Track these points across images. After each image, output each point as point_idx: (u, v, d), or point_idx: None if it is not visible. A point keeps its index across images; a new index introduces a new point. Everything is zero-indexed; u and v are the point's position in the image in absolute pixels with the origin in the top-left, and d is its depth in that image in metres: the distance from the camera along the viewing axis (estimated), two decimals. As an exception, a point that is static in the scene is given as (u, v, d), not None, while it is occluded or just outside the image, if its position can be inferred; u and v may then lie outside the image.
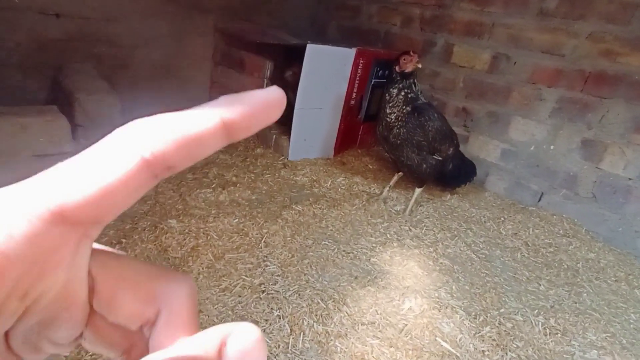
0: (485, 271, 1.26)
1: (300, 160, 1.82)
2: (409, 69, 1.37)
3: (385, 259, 1.24)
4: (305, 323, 0.93)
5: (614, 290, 1.28)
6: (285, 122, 1.75)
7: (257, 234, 1.24)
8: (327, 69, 1.74)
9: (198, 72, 2.15)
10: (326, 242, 1.26)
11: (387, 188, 1.63)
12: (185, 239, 1.16)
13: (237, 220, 1.29)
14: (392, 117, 1.43)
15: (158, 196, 1.36)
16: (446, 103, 2.04)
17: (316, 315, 0.96)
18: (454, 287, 1.15)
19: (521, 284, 1.23)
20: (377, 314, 1.00)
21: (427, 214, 1.56)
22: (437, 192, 1.77)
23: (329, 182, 1.67)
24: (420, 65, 1.38)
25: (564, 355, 0.97)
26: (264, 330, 0.89)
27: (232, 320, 0.91)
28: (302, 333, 0.91)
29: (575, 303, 1.18)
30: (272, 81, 1.92)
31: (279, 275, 1.08)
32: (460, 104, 2.00)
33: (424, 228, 1.45)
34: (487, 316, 1.05)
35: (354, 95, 1.91)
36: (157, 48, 1.97)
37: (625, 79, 1.50)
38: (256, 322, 0.90)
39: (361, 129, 2.11)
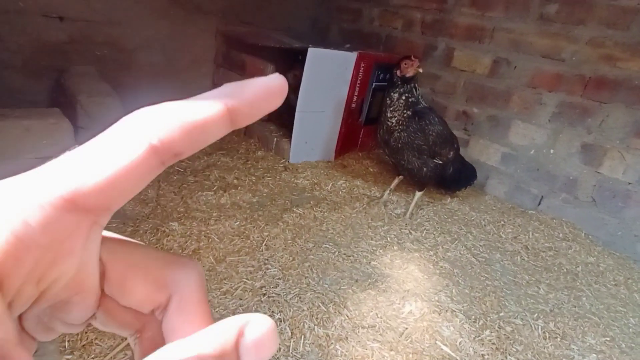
0: (485, 275, 1.27)
1: (301, 163, 1.83)
2: (410, 73, 1.38)
3: (385, 262, 1.24)
4: (306, 326, 0.94)
5: (613, 294, 1.28)
6: (286, 125, 1.76)
7: (258, 236, 1.25)
8: (329, 72, 1.75)
9: (199, 75, 2.16)
10: (327, 245, 1.27)
11: (388, 191, 1.64)
12: (186, 242, 1.16)
13: (238, 223, 1.29)
14: (393, 121, 1.44)
15: (160, 198, 1.36)
16: (447, 107, 2.05)
17: (317, 318, 0.97)
18: (454, 291, 1.16)
19: (521, 288, 1.24)
20: (378, 317, 1.00)
21: (427, 218, 1.57)
22: (438, 195, 1.78)
23: (330, 185, 1.68)
24: (421, 70, 1.39)
25: (563, 359, 0.98)
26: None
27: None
28: (302, 336, 0.91)
29: (575, 307, 1.18)
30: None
31: (280, 279, 1.09)
32: (460, 108, 2.01)
33: (425, 231, 1.46)
34: (486, 320, 1.06)
35: (355, 98, 1.92)
36: (159, 50, 1.98)
37: (625, 83, 1.51)
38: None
39: (362, 132, 2.12)
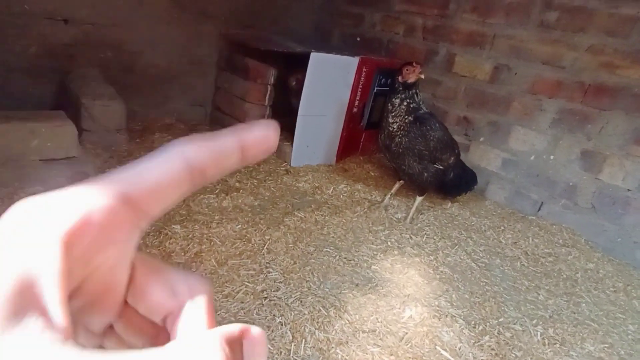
0: (485, 280, 1.28)
1: (302, 167, 1.84)
2: (411, 79, 1.40)
3: (386, 267, 1.25)
4: (307, 330, 0.94)
5: (613, 301, 1.29)
6: (288, 129, 1.77)
7: (259, 240, 1.26)
8: (331, 76, 1.76)
9: (202, 78, 2.17)
10: (328, 249, 1.27)
11: (389, 196, 1.65)
12: (189, 245, 1.17)
13: (240, 226, 1.30)
14: (395, 127, 1.45)
15: (162, 201, 1.37)
16: (448, 112, 2.06)
17: (318, 322, 0.97)
18: (454, 296, 1.16)
19: (520, 294, 1.25)
20: (378, 321, 1.01)
21: (427, 222, 1.58)
22: (438, 200, 1.79)
23: (331, 189, 1.69)
24: (423, 76, 1.40)
25: (562, 366, 0.99)
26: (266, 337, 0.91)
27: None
28: (303, 340, 0.92)
29: (574, 313, 1.19)
30: (276, 88, 1.95)
31: (281, 282, 1.09)
32: (461, 113, 2.02)
33: (425, 236, 1.47)
34: (486, 325, 1.06)
35: (356, 103, 1.93)
36: (162, 53, 1.99)
37: (625, 91, 1.53)
38: (259, 329, 0.91)
39: (363, 137, 2.13)
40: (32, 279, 0.12)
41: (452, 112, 2.05)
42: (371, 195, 1.71)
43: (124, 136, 1.65)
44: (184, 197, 0.16)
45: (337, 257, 1.25)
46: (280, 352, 0.88)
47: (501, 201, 1.89)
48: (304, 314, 0.99)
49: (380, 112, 1.83)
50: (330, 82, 1.77)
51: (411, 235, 1.46)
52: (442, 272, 1.27)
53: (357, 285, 1.13)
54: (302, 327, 0.95)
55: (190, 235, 1.21)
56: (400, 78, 1.42)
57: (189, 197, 1.41)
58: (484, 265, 1.36)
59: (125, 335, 0.17)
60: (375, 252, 1.31)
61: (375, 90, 1.99)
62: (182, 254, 1.14)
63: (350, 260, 1.24)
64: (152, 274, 0.17)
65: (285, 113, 1.99)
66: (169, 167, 0.15)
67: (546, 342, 1.04)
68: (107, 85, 1.68)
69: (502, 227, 1.63)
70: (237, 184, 1.57)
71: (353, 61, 1.81)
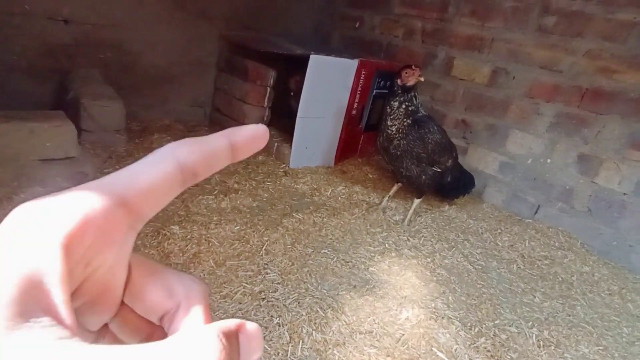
0: (482, 282, 1.29)
1: (301, 169, 1.85)
2: (410, 82, 1.41)
3: (383, 269, 1.26)
4: (305, 331, 0.95)
5: (608, 304, 1.30)
6: (287, 130, 1.78)
7: (257, 241, 1.26)
8: (330, 79, 1.77)
9: (202, 79, 2.18)
10: (326, 251, 1.28)
11: (387, 198, 1.66)
12: (187, 245, 1.18)
13: (238, 227, 1.31)
14: (393, 129, 1.46)
15: (161, 202, 1.38)
16: (446, 115, 2.07)
17: (315, 323, 0.98)
18: (450, 298, 1.17)
19: (516, 296, 1.26)
20: (375, 323, 1.02)
21: (425, 225, 1.59)
22: (436, 202, 1.80)
23: (330, 191, 1.69)
24: (422, 79, 1.41)
25: (557, 368, 1.00)
26: (263, 338, 0.91)
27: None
28: (301, 341, 0.92)
29: (569, 316, 1.20)
30: (275, 89, 1.95)
31: (279, 283, 1.10)
32: (459, 116, 2.03)
33: (422, 238, 1.48)
34: (482, 327, 1.07)
35: (355, 105, 1.94)
36: (162, 54, 2.00)
37: (621, 95, 1.54)
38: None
39: (362, 139, 2.14)
40: (37, 278, 0.12)
41: (451, 115, 2.06)
42: (369, 198, 1.72)
43: (123, 136, 1.65)
44: (174, 197, 0.17)
45: (335, 258, 1.25)
46: (278, 353, 0.89)
47: (498, 204, 1.90)
48: (302, 315, 1.00)
49: (379, 115, 1.84)
50: (329, 84, 1.78)
51: (409, 238, 1.46)
52: (439, 274, 1.28)
53: (354, 286, 1.14)
54: (300, 328, 0.96)
55: (188, 236, 1.21)
56: (399, 81, 1.43)
57: (187, 198, 1.42)
58: (480, 267, 1.37)
59: (120, 334, 0.18)
60: (372, 254, 1.32)
61: (374, 93, 2.00)
62: (181, 254, 1.14)
63: (347, 262, 1.25)
64: (148, 275, 0.17)
65: (284, 115, 2.00)
66: (162, 170, 0.16)
67: (541, 344, 1.05)
68: (106, 85, 1.68)
69: (499, 230, 1.64)
70: (235, 185, 1.58)
71: (352, 64, 1.82)
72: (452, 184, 1.68)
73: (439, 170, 1.54)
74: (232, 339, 0.14)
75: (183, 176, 0.17)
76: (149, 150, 0.21)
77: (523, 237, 1.61)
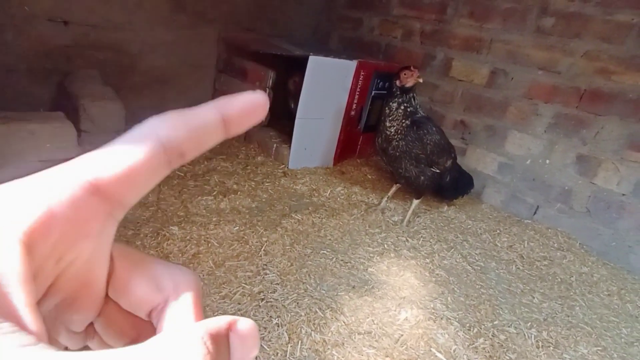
0: (480, 283, 1.29)
1: (300, 169, 1.85)
2: (409, 83, 1.41)
3: (382, 269, 1.26)
4: (303, 331, 0.95)
5: (606, 304, 1.30)
6: (286, 131, 1.78)
7: (257, 242, 1.26)
8: (329, 80, 1.78)
9: (201, 80, 2.18)
10: (325, 252, 1.28)
11: (386, 198, 1.66)
12: (186, 246, 1.18)
13: (237, 228, 1.31)
14: (392, 130, 1.46)
15: (160, 202, 1.38)
16: (445, 116, 2.08)
17: (314, 324, 0.98)
18: (449, 299, 1.17)
19: (515, 297, 1.26)
20: (374, 323, 1.02)
21: (424, 225, 1.59)
22: (435, 203, 1.80)
23: (328, 192, 1.70)
24: (421, 80, 1.42)
25: (556, 368, 1.00)
26: (262, 338, 0.91)
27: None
28: (300, 341, 0.92)
29: (568, 316, 1.20)
30: (274, 90, 1.96)
31: (278, 284, 1.10)
32: (458, 117, 2.03)
33: (421, 239, 1.48)
34: (481, 328, 1.07)
35: (354, 106, 1.95)
36: (161, 55, 2.00)
37: (620, 96, 1.54)
38: (255, 330, 0.92)
39: (361, 139, 2.14)
40: None
41: (449, 116, 2.07)
42: (368, 198, 1.72)
43: (122, 137, 1.65)
44: (160, 181, 0.15)
45: (334, 259, 1.25)
46: (277, 354, 0.89)
47: (497, 205, 1.90)
48: (301, 315, 1.00)
49: (377, 116, 1.84)
50: (328, 85, 1.79)
51: (407, 238, 1.46)
52: (437, 274, 1.28)
53: (353, 287, 1.14)
54: (299, 329, 0.96)
55: (187, 237, 1.21)
56: (398, 82, 1.43)
57: (186, 199, 1.42)
58: (479, 268, 1.37)
59: (105, 335, 0.17)
60: (371, 255, 1.32)
61: (372, 94, 2.00)
62: (180, 255, 1.14)
63: (346, 263, 1.25)
64: (133, 267, 0.16)
65: (283, 116, 2.00)
66: (142, 151, 0.14)
67: (540, 345, 1.05)
68: (106, 86, 1.68)
69: (498, 231, 1.64)
70: (234, 186, 1.58)
71: (351, 65, 1.82)
72: (451, 185, 1.68)
73: (437, 171, 1.55)
74: (220, 340, 0.13)
75: (167, 156, 0.15)
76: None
77: (522, 238, 1.61)
